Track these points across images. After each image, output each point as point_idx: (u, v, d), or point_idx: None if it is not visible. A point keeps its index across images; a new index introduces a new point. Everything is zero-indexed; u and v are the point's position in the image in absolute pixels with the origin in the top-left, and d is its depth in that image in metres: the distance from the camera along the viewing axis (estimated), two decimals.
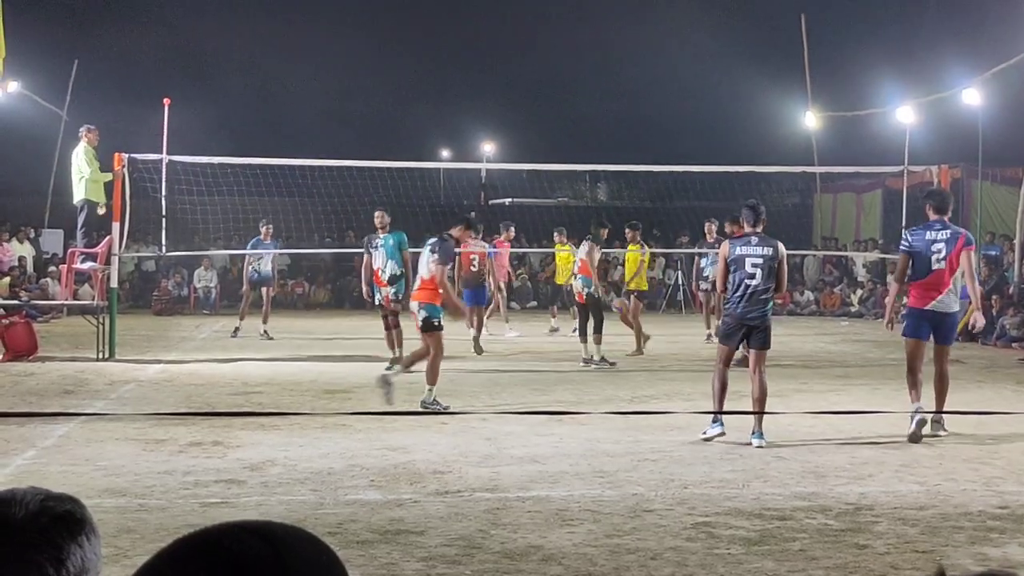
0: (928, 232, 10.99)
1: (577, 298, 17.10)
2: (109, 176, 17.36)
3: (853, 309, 27.62)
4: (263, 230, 21.04)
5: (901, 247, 11.41)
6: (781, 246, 10.89)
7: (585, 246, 16.85)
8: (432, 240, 12.66)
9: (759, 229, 10.83)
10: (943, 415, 11.03)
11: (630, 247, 18.79)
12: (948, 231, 10.96)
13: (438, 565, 6.46)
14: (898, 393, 12.68)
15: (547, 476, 8.86)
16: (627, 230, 18.82)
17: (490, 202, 36.65)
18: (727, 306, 10.96)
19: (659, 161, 23.53)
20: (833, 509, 7.82)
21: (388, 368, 14.22)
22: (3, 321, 16.99)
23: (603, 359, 16.29)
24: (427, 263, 12.36)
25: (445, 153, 45.30)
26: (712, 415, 10.57)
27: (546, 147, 39.68)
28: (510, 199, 35.28)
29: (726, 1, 47.26)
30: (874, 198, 31.56)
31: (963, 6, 35.00)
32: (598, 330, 16.34)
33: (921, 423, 10.67)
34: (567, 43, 50.43)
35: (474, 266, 19.01)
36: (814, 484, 8.68)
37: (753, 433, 10.31)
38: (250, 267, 21.27)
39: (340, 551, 1.49)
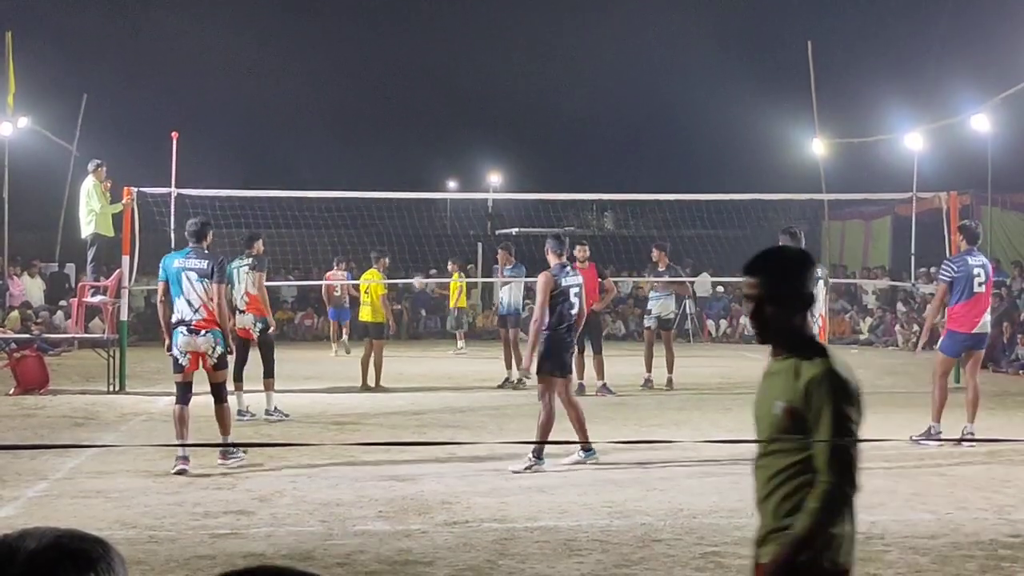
0: (970, 259, 12.08)
1: (241, 335, 13.97)
2: (119, 207, 17.45)
3: (862, 337, 27.55)
4: (500, 256, 19.05)
5: (943, 277, 12.31)
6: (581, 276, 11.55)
7: (250, 276, 14.21)
8: None
9: (565, 259, 11.26)
10: (973, 426, 12.11)
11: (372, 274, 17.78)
12: (983, 258, 12.29)
13: None
14: (909, 421, 12.66)
15: (555, 506, 8.85)
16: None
17: (496, 232, 36.69)
18: (557, 333, 10.70)
19: (666, 189, 23.53)
20: None
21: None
22: (14, 354, 17.05)
23: (276, 409, 14.07)
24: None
25: (452, 184, 45.40)
26: (536, 451, 10.50)
27: (552, 176, 39.77)
28: (516, 228, 35.32)
29: (732, 28, 47.44)
30: (883, 225, 31.53)
31: (971, 32, 35.08)
32: (271, 374, 14.14)
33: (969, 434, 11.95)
34: (573, 73, 50.60)
35: (336, 292, 23.59)
36: None
37: (587, 451, 10.80)
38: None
39: None
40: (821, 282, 11.53)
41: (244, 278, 14.22)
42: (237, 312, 14.09)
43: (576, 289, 10.95)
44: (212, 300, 10.47)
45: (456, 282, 24.57)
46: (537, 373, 10.73)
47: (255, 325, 14.18)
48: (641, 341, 23.81)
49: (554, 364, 10.71)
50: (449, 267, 24.84)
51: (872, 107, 32.63)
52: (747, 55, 43.23)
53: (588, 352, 16.46)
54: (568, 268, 11.11)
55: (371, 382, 17.18)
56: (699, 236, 27.70)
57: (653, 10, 45.10)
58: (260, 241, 14.90)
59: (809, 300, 3.80)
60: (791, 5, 44.23)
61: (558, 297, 10.79)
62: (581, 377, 16.52)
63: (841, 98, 35.38)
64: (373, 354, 17.17)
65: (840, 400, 3.59)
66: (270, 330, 14.46)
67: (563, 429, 13.12)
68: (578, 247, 16.40)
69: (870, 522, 8.31)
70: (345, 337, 23.93)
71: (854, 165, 31.88)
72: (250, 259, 14.36)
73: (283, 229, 26.19)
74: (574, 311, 10.89)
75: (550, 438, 10.43)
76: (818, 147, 31.43)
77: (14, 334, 20.01)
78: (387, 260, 18.26)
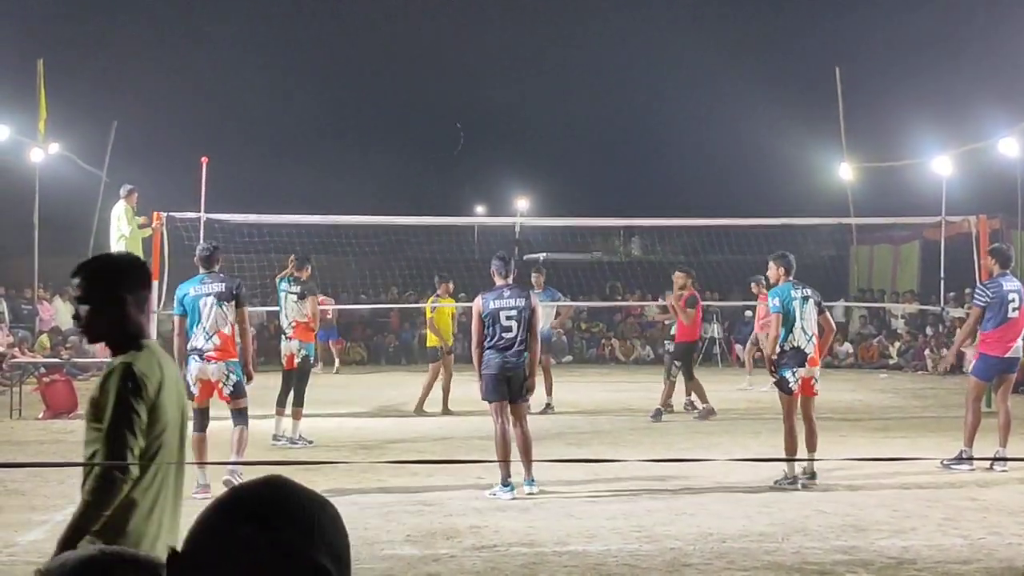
0: (1005, 283, 11.95)
1: (287, 363, 14.15)
2: (148, 231, 17.57)
3: (892, 361, 27.37)
4: (535, 279, 18.02)
5: (977, 302, 12.21)
6: (534, 297, 11.03)
7: (298, 304, 14.14)
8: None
9: (510, 281, 10.82)
10: (1005, 450, 11.88)
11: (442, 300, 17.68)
12: (1018, 282, 12.12)
13: None
14: (939, 446, 12.57)
15: (584, 530, 8.80)
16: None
17: (524, 257, 36.70)
18: (486, 359, 10.48)
19: (693, 215, 23.50)
20: (875, 563, 7.71)
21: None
22: (44, 379, 17.14)
23: (301, 437, 13.91)
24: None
25: (479, 209, 45.52)
26: (502, 477, 10.31)
27: (580, 202, 39.79)
28: (544, 254, 35.36)
29: (760, 54, 47.40)
30: (911, 249, 31.38)
31: (999, 56, 34.94)
32: (300, 403, 13.96)
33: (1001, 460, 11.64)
34: (600, 98, 50.68)
35: (329, 315, 23.64)
36: (855, 538, 8.57)
37: (527, 481, 10.35)
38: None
39: None
40: (811, 301, 11.29)
41: (292, 305, 14.20)
42: (283, 338, 14.26)
43: (511, 312, 10.45)
44: (230, 325, 10.41)
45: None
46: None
47: (299, 351, 14.05)
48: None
49: (483, 389, 10.57)
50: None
51: (900, 131, 32.48)
52: (776, 81, 43.13)
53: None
54: (506, 291, 10.61)
55: (427, 407, 17.09)
56: (726, 261, 27.62)
57: (682, 36, 45.16)
58: (310, 267, 14.91)
59: (136, 303, 4.04)
60: (819, 31, 44.22)
61: (487, 319, 10.51)
62: (705, 401, 16.54)
63: (869, 123, 35.29)
64: (428, 378, 17.11)
65: (125, 390, 3.83)
66: (311, 359, 14.53)
67: (591, 454, 13.07)
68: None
69: (901, 547, 8.24)
70: (320, 362, 23.84)
71: (882, 189, 31.77)
72: (299, 285, 14.31)
73: (312, 254, 26.25)
74: (509, 335, 10.42)
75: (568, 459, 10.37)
76: (846, 172, 31.41)
77: (44, 358, 20.13)
78: (450, 284, 18.26)
